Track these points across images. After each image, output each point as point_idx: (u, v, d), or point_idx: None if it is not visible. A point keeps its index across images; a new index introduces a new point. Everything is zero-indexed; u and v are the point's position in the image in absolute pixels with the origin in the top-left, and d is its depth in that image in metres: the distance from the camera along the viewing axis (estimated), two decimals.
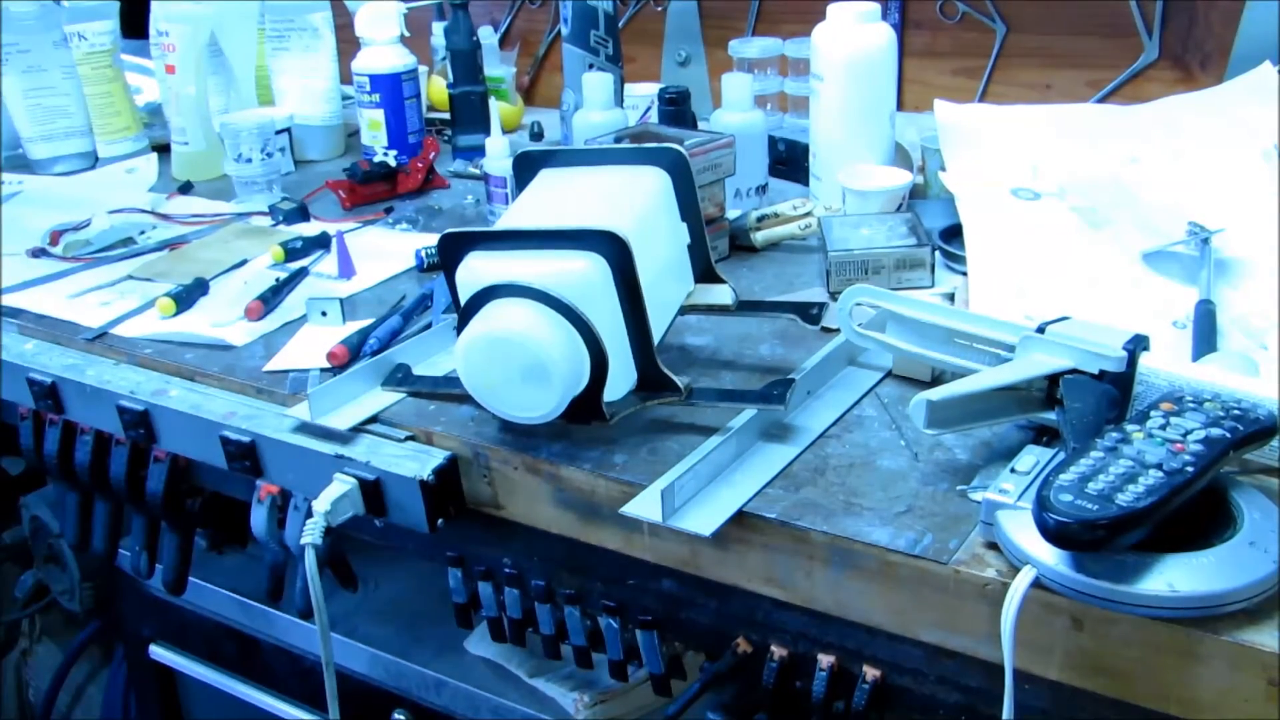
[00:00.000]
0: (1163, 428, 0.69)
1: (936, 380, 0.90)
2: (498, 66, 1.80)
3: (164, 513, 1.10)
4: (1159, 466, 0.65)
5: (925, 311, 0.85)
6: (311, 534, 0.89)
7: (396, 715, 1.26)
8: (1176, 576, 0.64)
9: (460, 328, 0.83)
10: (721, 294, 0.99)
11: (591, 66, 1.43)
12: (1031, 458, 0.74)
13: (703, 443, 0.83)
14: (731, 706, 0.86)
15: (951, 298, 1.04)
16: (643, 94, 1.55)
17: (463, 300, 0.84)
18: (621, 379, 0.86)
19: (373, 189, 1.48)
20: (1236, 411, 0.71)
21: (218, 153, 1.58)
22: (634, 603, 0.89)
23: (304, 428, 0.94)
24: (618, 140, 1.20)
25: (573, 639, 0.93)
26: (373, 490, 0.90)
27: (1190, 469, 0.65)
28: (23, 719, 1.89)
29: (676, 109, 1.35)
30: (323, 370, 1.02)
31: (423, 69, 1.68)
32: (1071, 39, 1.52)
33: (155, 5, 1.58)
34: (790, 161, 1.42)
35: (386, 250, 1.31)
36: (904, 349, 0.87)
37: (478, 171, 1.52)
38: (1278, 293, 0.99)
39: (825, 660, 0.80)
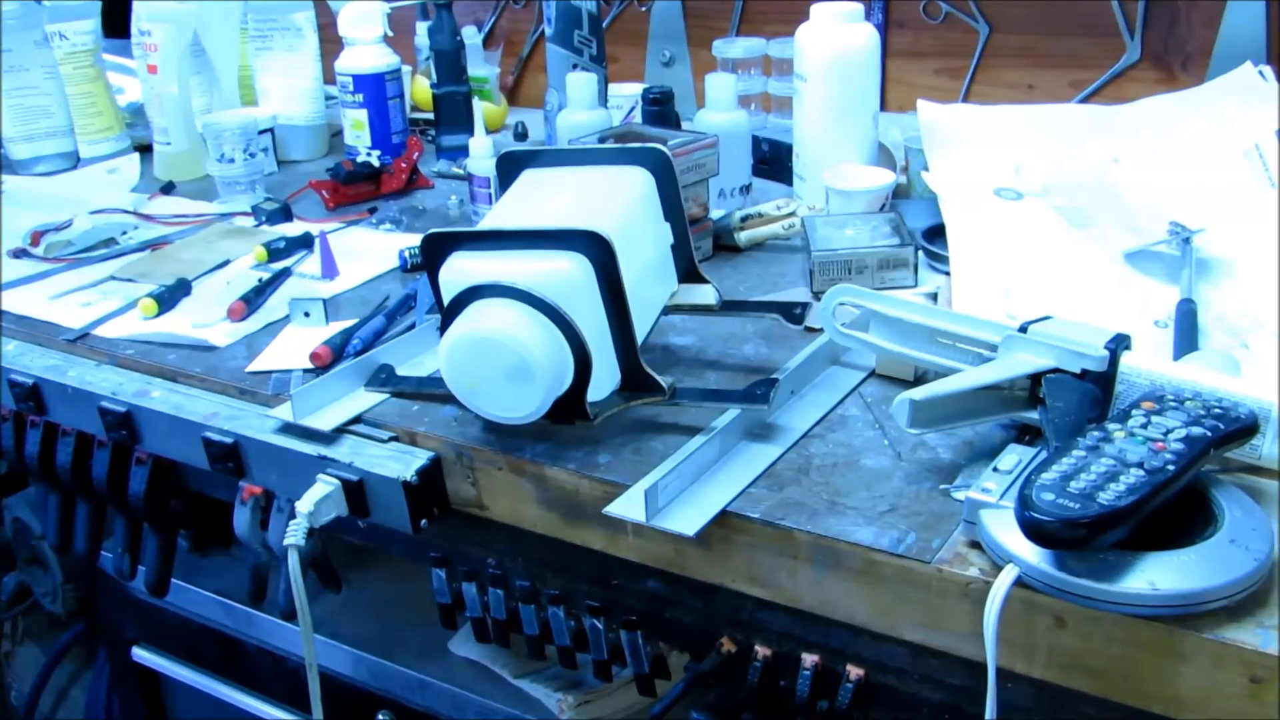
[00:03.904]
0: (1144, 426, 0.69)
1: (920, 380, 0.90)
2: (482, 66, 1.80)
3: (146, 514, 1.09)
4: (1140, 465, 0.65)
5: (908, 311, 0.85)
6: (294, 535, 0.89)
7: (380, 716, 1.26)
8: (1158, 575, 0.64)
9: (444, 328, 0.83)
10: (705, 294, 0.99)
11: (575, 66, 1.43)
12: (1014, 457, 0.75)
13: (686, 442, 0.83)
14: (716, 706, 0.87)
15: (934, 297, 1.04)
16: (627, 94, 1.55)
17: (446, 300, 0.84)
18: (605, 379, 0.86)
19: (356, 189, 1.48)
20: (1217, 410, 0.71)
21: (200, 153, 1.58)
22: (618, 603, 0.89)
23: (287, 428, 0.94)
24: (601, 140, 1.19)
25: (557, 639, 0.93)
26: (356, 491, 0.90)
27: (1171, 467, 0.66)
28: None
29: (660, 109, 1.35)
30: (306, 371, 1.02)
31: (406, 69, 1.68)
32: (1054, 39, 1.52)
33: (137, 4, 1.58)
34: (774, 161, 1.42)
35: (370, 250, 1.30)
36: (887, 348, 0.87)
37: (461, 171, 1.51)
38: (1259, 292, 1.00)
39: (809, 659, 0.80)
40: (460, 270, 0.84)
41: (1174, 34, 1.45)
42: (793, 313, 0.98)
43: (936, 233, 1.16)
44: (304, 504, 0.89)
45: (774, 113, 1.63)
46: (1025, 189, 1.14)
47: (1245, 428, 0.71)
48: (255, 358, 1.06)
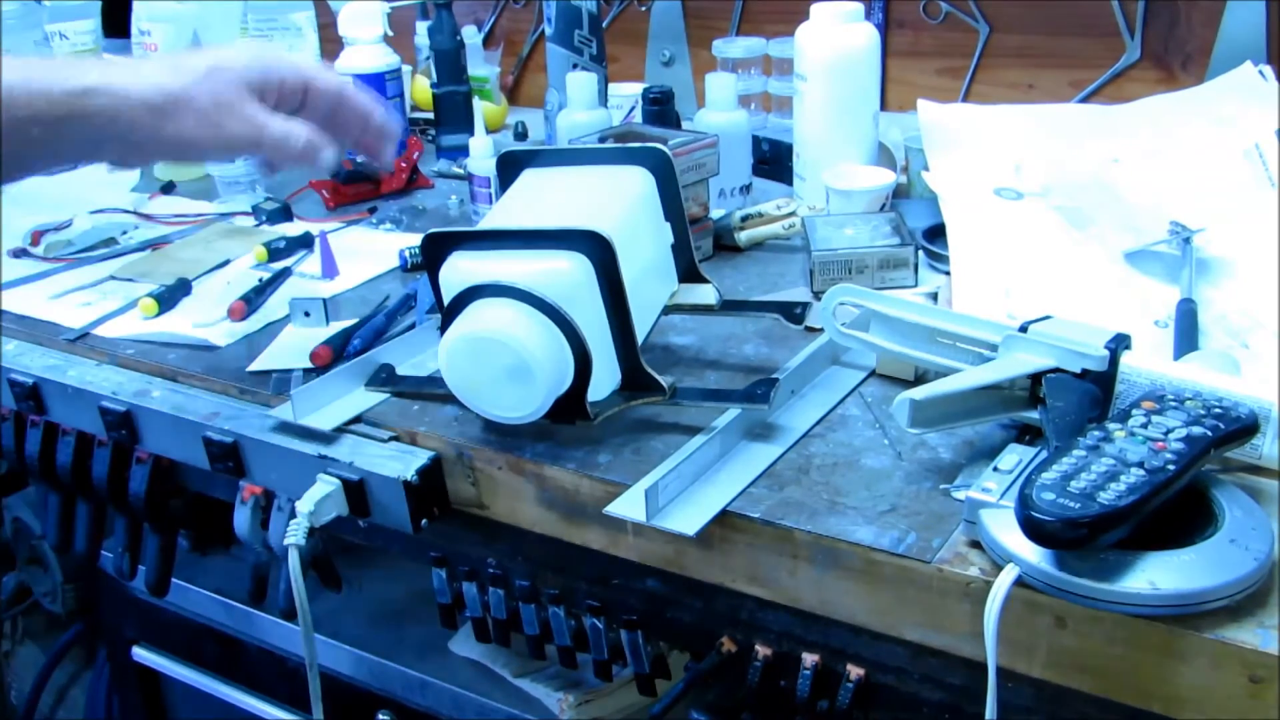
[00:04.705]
0: (1144, 426, 0.69)
1: (920, 379, 0.90)
2: (482, 66, 1.80)
3: (146, 514, 1.09)
4: (1141, 465, 0.65)
5: (908, 311, 0.85)
6: (295, 535, 0.89)
7: (380, 716, 1.26)
8: (1158, 574, 0.64)
9: (444, 328, 0.83)
10: (705, 294, 0.99)
11: (575, 66, 1.43)
12: (1014, 456, 0.75)
13: (687, 442, 0.83)
14: (716, 706, 0.87)
15: (935, 297, 1.04)
16: (627, 94, 1.55)
17: (446, 300, 0.84)
18: (605, 379, 0.86)
19: (356, 189, 1.48)
20: (1218, 410, 0.71)
21: None
22: (618, 602, 0.89)
23: (287, 428, 0.94)
24: (601, 140, 1.19)
25: (557, 639, 0.93)
26: (356, 491, 0.90)
27: (1172, 467, 0.66)
28: None
29: (660, 109, 1.35)
30: (306, 371, 1.02)
31: (406, 68, 1.68)
32: (1054, 39, 1.52)
33: (137, 4, 1.58)
34: (774, 161, 1.42)
35: (370, 250, 1.30)
36: (887, 348, 0.87)
37: (462, 171, 1.51)
38: (1259, 292, 1.00)
39: (809, 659, 0.80)
40: (460, 270, 0.84)
41: (1174, 34, 1.45)
42: (793, 312, 0.98)
43: (936, 232, 1.16)
44: (304, 504, 0.89)
45: (774, 112, 1.63)
46: (1025, 189, 1.14)
47: (1245, 427, 0.71)
48: (255, 358, 1.06)
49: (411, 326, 1.08)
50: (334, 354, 1.03)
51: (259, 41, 0.95)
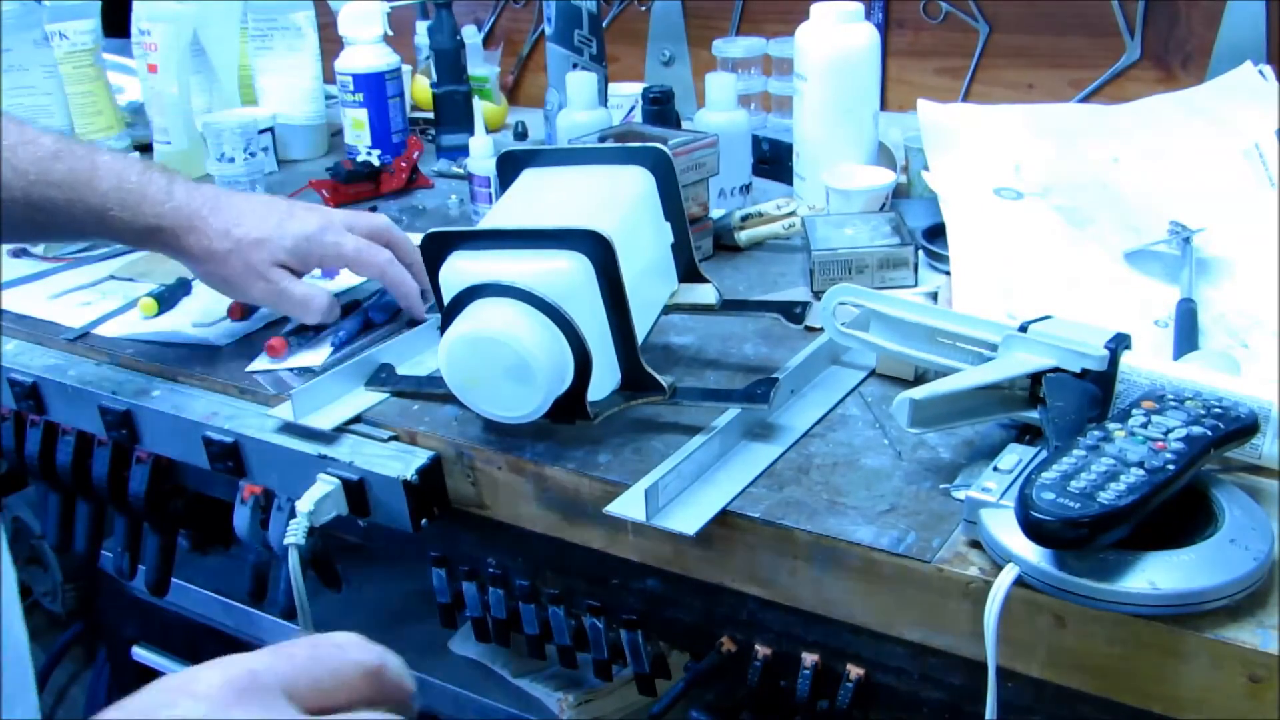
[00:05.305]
0: (1144, 426, 0.69)
1: (920, 379, 0.90)
2: (482, 66, 1.80)
3: (146, 513, 1.09)
4: (1140, 464, 0.65)
5: (908, 311, 0.85)
6: (295, 534, 0.89)
7: None
8: (1158, 574, 0.64)
9: (444, 327, 0.83)
10: (705, 293, 0.99)
11: (575, 66, 1.43)
12: (1014, 456, 0.75)
13: (687, 442, 0.83)
14: (716, 705, 0.87)
15: (935, 297, 1.04)
16: (627, 93, 1.55)
17: (446, 300, 0.84)
18: (605, 378, 0.86)
19: (356, 188, 1.48)
20: (1217, 410, 0.71)
21: (200, 152, 1.57)
22: (618, 602, 0.89)
23: (287, 428, 0.94)
24: (601, 140, 1.19)
25: (557, 639, 0.93)
26: (356, 490, 0.90)
27: (1171, 467, 0.66)
28: None
29: (660, 108, 1.35)
30: (306, 371, 1.02)
31: (406, 68, 1.68)
32: (1054, 39, 1.52)
33: (137, 4, 1.58)
34: (774, 161, 1.42)
35: None
36: (887, 348, 0.87)
37: (461, 171, 1.51)
38: (1258, 292, 1.00)
39: (809, 659, 0.80)
40: (460, 270, 0.84)
41: (1174, 34, 1.45)
42: (793, 312, 0.98)
43: (936, 232, 1.16)
44: (304, 503, 0.89)
45: (774, 112, 1.63)
46: (1025, 189, 1.14)
47: (1245, 427, 0.71)
48: (255, 358, 1.06)
49: (393, 316, 1.09)
50: (288, 346, 1.05)
51: (324, 221, 1.06)
